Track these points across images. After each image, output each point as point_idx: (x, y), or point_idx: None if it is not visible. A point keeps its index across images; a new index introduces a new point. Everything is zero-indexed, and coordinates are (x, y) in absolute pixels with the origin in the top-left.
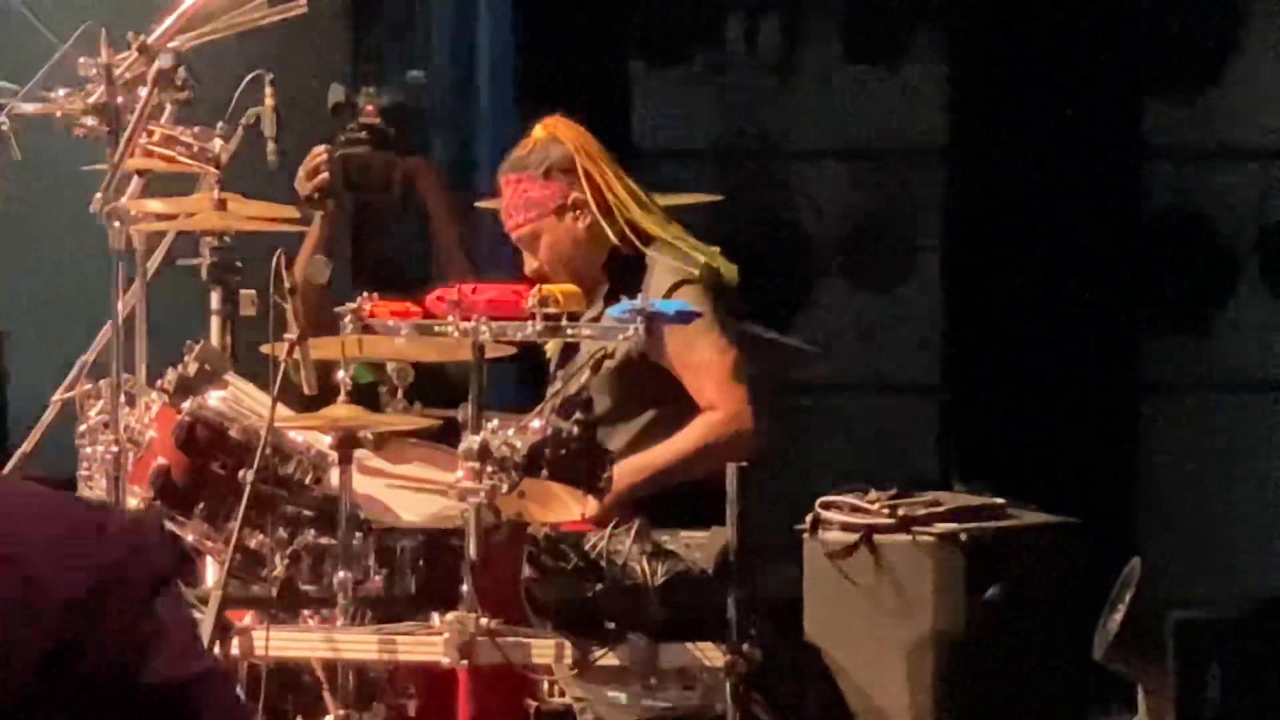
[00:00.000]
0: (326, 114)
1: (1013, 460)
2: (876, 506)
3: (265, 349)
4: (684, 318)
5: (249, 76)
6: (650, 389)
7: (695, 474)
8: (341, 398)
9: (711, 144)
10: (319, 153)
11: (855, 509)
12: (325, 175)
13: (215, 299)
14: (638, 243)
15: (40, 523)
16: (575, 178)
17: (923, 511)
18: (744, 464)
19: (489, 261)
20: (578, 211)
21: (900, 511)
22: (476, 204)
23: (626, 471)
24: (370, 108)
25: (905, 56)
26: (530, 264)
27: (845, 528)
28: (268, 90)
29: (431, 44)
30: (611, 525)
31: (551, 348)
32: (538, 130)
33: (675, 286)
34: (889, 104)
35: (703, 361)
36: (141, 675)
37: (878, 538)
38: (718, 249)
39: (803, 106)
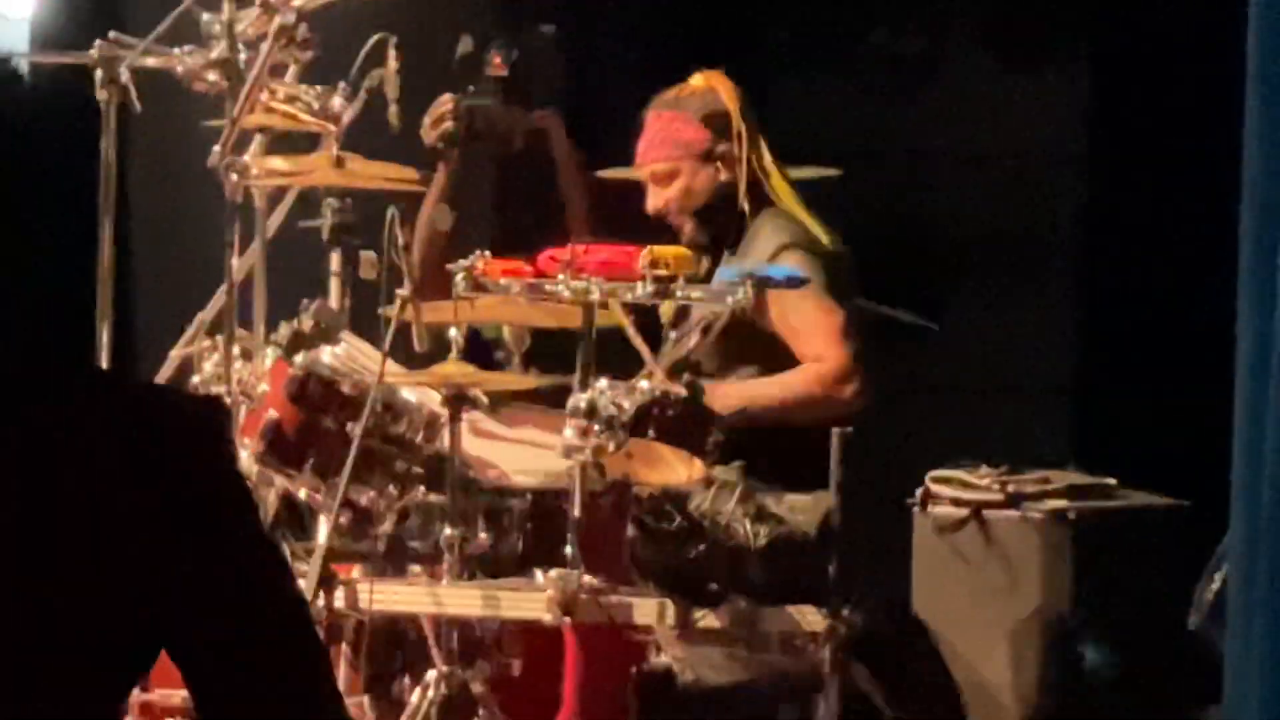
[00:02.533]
0: (454, 67)
1: (1142, 461)
2: (987, 482)
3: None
4: (792, 283)
5: (373, 39)
6: (753, 350)
7: (788, 419)
8: (453, 355)
9: (849, 145)
10: (445, 101)
11: (965, 484)
12: (449, 125)
13: (335, 261)
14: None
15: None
16: (728, 132)
17: (1033, 488)
18: (848, 430)
19: (614, 218)
20: (721, 163)
21: (1010, 488)
22: (599, 173)
23: (720, 397)
24: (498, 60)
25: (1047, 61)
26: (654, 201)
27: (955, 503)
28: (391, 53)
29: None
30: (715, 487)
31: (666, 310)
32: (696, 79)
33: (780, 250)
34: (1030, 108)
35: (809, 322)
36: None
37: (987, 513)
38: (833, 232)
39: (942, 110)
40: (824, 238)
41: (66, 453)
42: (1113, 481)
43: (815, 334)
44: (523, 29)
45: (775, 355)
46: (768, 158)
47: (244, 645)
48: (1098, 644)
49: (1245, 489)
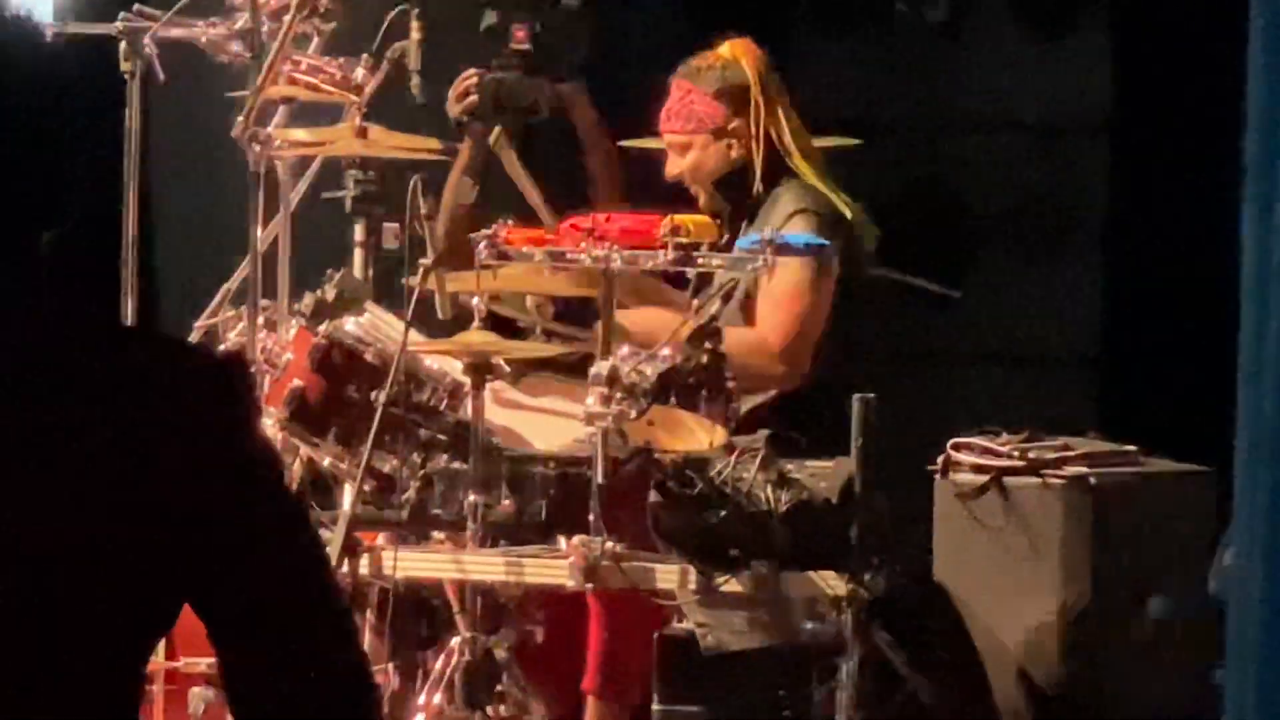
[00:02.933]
0: (477, 39)
1: (1165, 430)
2: (1008, 449)
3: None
4: (812, 249)
5: (395, 11)
6: None
7: None
8: (475, 324)
9: (874, 113)
10: (470, 75)
11: (986, 451)
12: (474, 98)
13: (359, 231)
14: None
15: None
16: (744, 107)
17: (1053, 455)
18: (868, 396)
19: (639, 189)
20: (734, 140)
21: (1031, 455)
22: (621, 143)
23: (659, 318)
24: (522, 33)
25: (1072, 28)
26: (672, 168)
27: (976, 469)
28: (414, 25)
29: None
30: (737, 452)
31: (691, 276)
32: (724, 48)
33: (793, 214)
34: (1054, 76)
35: (778, 294)
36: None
37: (1008, 480)
38: (860, 210)
39: (968, 77)
40: (846, 211)
41: (91, 410)
42: (1134, 448)
43: (778, 308)
44: (546, 2)
45: None
46: (788, 132)
47: (267, 604)
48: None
49: (1248, 455)
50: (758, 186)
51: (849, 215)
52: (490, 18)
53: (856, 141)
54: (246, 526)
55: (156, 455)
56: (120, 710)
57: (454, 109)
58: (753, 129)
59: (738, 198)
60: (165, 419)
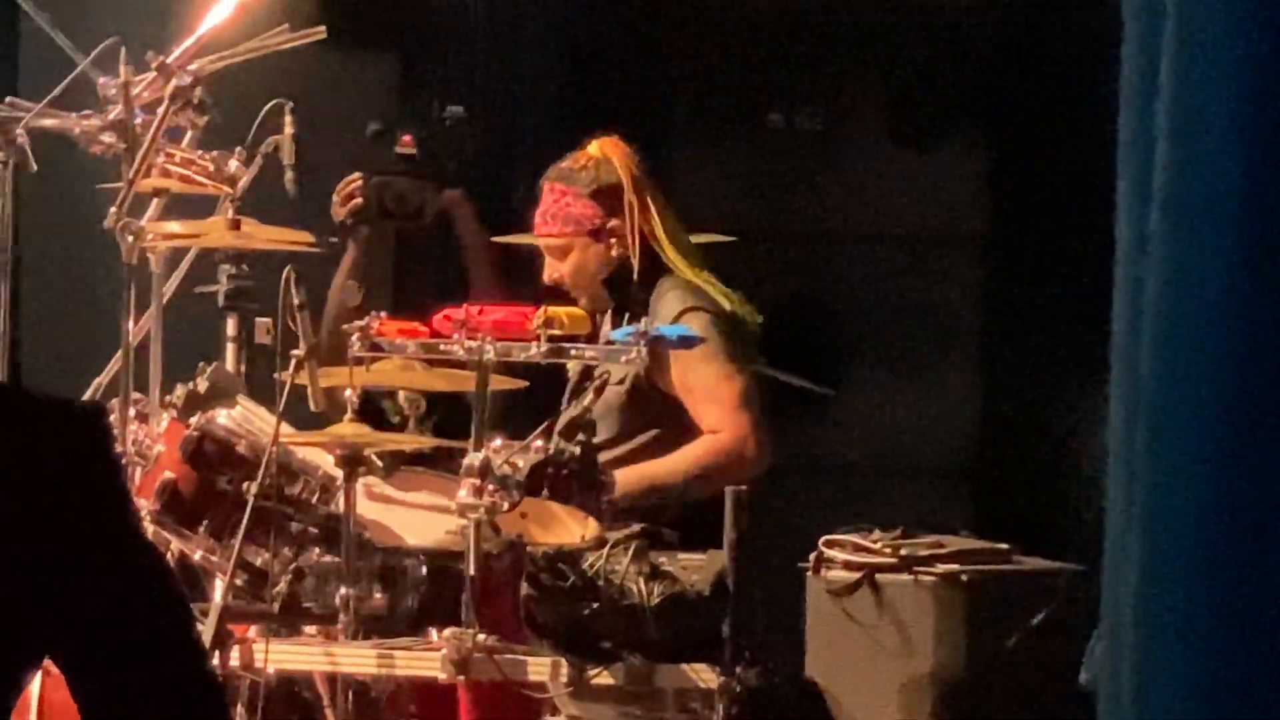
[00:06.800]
0: (361, 142)
1: (1040, 542)
2: (880, 546)
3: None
4: (686, 342)
5: (269, 105)
6: (653, 411)
7: (692, 493)
8: (348, 416)
9: (748, 222)
10: (355, 178)
11: (859, 548)
12: (359, 200)
13: (231, 326)
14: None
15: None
16: (619, 205)
17: (926, 552)
18: (742, 488)
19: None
20: (613, 239)
21: (903, 552)
22: (494, 239)
23: (624, 480)
24: (408, 138)
25: (944, 141)
26: (550, 272)
27: (848, 566)
28: (287, 119)
29: (474, 80)
30: (609, 545)
31: (572, 370)
32: (592, 148)
33: (682, 313)
34: (927, 188)
35: (707, 386)
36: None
37: (880, 577)
38: (739, 295)
39: (842, 190)
40: (725, 302)
41: None
42: (1005, 546)
43: (713, 401)
44: (432, 109)
45: (675, 418)
46: (660, 227)
47: (124, 647)
48: None
49: (1115, 546)
50: (635, 278)
51: (728, 306)
52: (377, 123)
53: (732, 239)
54: (101, 576)
55: (11, 504)
56: None
57: (339, 212)
58: (628, 227)
59: (620, 296)
60: (21, 467)
